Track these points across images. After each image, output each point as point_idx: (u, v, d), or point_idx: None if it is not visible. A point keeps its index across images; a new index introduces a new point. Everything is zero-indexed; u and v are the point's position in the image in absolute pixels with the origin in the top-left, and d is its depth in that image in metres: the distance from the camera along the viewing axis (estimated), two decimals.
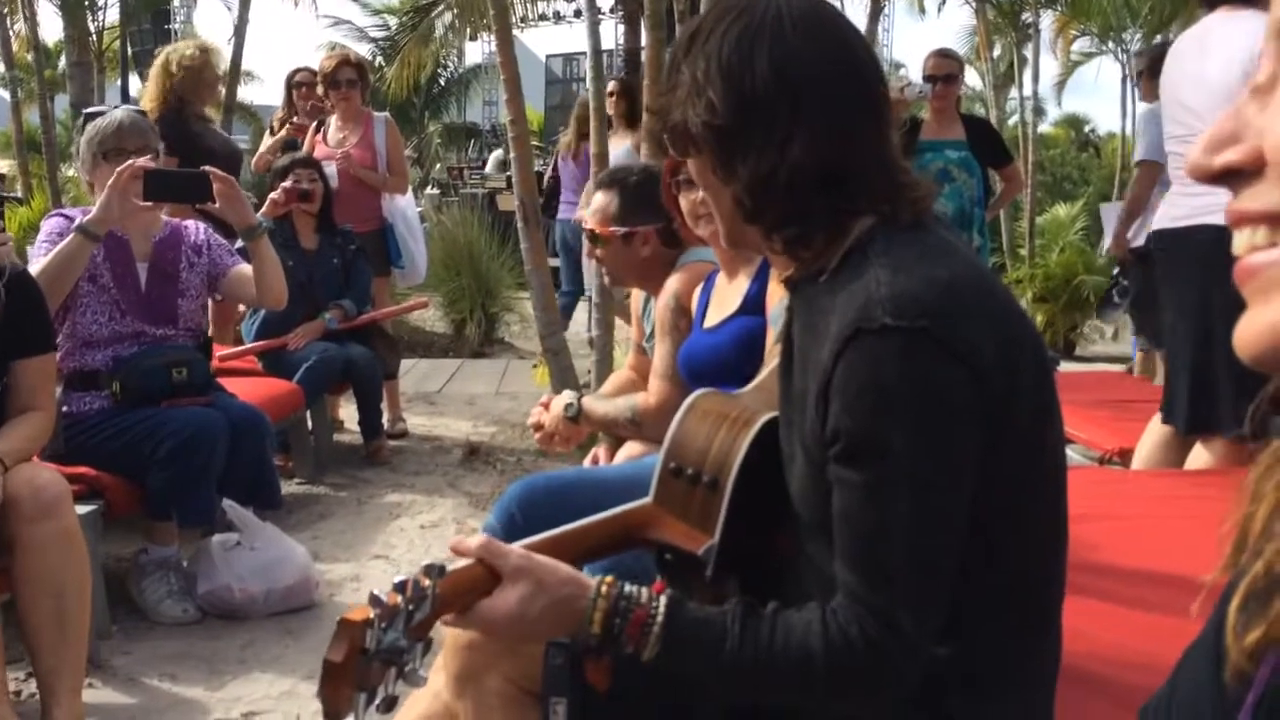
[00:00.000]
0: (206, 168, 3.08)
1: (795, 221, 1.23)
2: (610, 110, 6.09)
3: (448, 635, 1.42)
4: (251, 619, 2.98)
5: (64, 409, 2.97)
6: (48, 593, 2.18)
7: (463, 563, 1.20)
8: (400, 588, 1.12)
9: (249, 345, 4.48)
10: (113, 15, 15.52)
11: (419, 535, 3.79)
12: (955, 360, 1.11)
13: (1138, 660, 1.78)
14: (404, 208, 5.53)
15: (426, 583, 1.14)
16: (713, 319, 2.39)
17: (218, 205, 3.03)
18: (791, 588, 1.37)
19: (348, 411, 5.00)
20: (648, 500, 1.44)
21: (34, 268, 2.88)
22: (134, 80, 14.58)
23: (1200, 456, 3.09)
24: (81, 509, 2.75)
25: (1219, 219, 2.53)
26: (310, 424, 4.52)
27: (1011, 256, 9.82)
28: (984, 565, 1.19)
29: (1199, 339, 3.01)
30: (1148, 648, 1.83)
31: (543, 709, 1.29)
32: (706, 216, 2.18)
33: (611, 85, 6.41)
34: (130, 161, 2.90)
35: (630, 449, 2.53)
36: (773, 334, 2.19)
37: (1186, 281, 3.07)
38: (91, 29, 14.26)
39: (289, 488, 4.24)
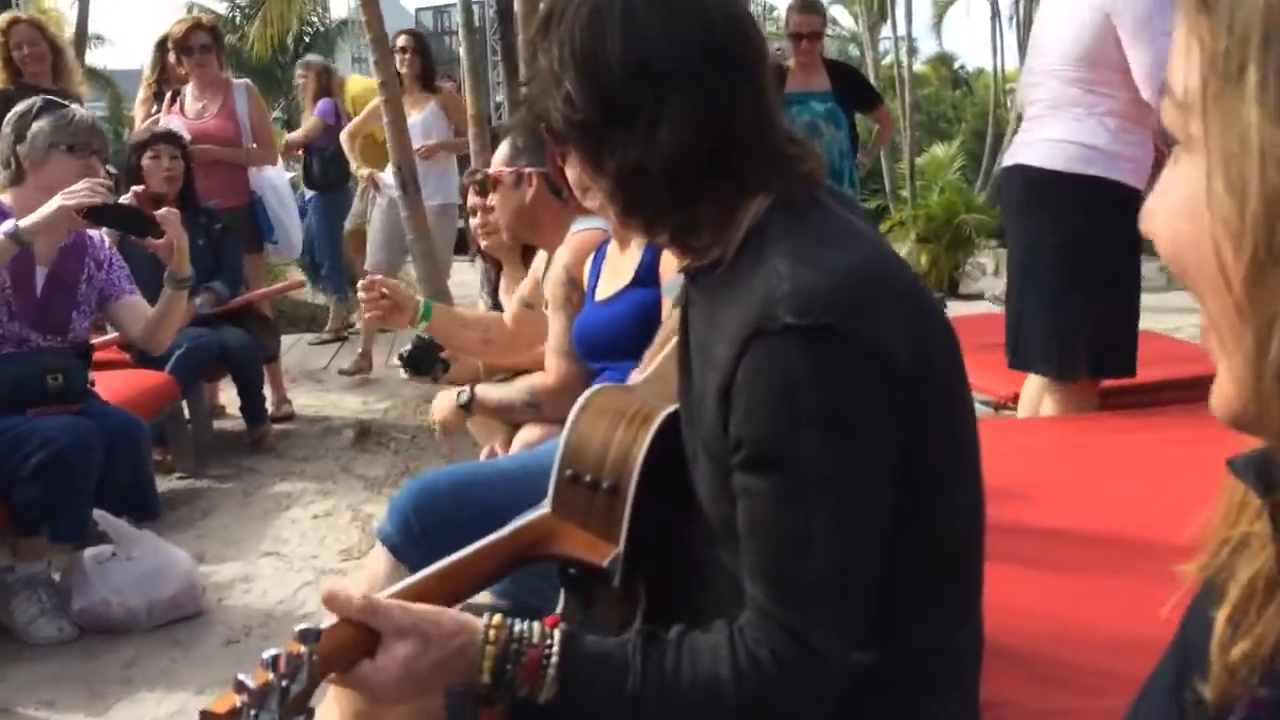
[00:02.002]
0: (161, 211, 3.09)
1: (676, 212, 1.14)
2: (402, 70, 5.58)
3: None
4: (134, 633, 2.80)
5: None
6: None
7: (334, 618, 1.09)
8: (271, 663, 1.00)
9: (112, 335, 4.21)
10: None
11: (312, 527, 3.63)
12: (864, 356, 1.04)
13: (1054, 628, 1.76)
14: (273, 179, 5.28)
15: (301, 650, 1.02)
16: (605, 291, 2.29)
17: (159, 243, 2.97)
18: (704, 592, 1.30)
19: (229, 396, 4.77)
20: (545, 511, 1.35)
21: None
22: None
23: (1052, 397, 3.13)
24: None
25: (1029, 159, 2.50)
26: (188, 414, 4.30)
27: (893, 199, 9.92)
28: (903, 562, 1.12)
29: (1016, 275, 3.19)
30: (1064, 613, 1.82)
31: None
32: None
33: (402, 39, 5.69)
34: (87, 181, 2.79)
35: (527, 434, 2.43)
36: (667, 304, 2.11)
37: (1008, 218, 3.29)
38: None
39: (169, 483, 4.03)
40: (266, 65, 19.49)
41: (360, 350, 5.66)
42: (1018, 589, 1.83)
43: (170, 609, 2.86)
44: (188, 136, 4.74)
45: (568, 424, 1.37)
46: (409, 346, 2.71)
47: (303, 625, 1.05)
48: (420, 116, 5.56)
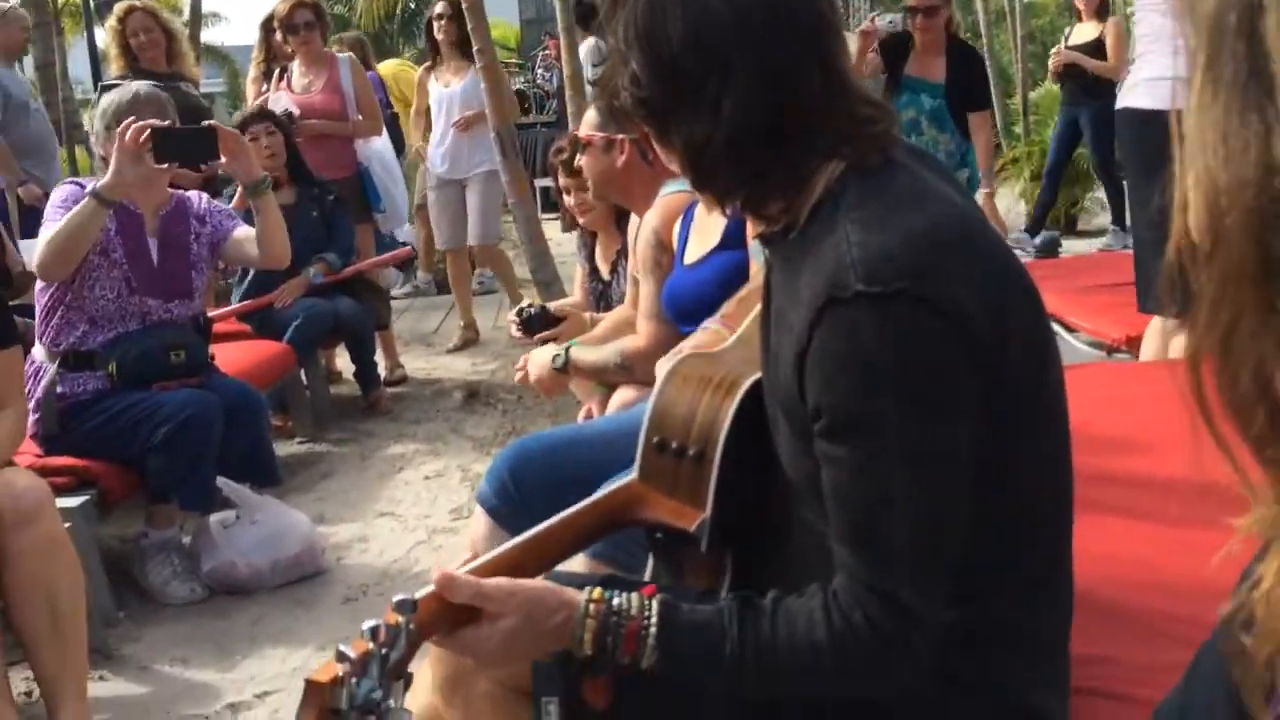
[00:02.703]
0: (212, 122, 3.08)
1: (746, 184, 1.15)
2: (439, 36, 5.42)
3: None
4: (260, 593, 2.95)
5: (59, 390, 2.92)
6: (38, 599, 2.14)
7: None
8: (372, 633, 1.06)
9: (233, 306, 4.39)
10: None
11: (424, 488, 3.75)
12: (939, 319, 1.03)
13: (1158, 579, 1.72)
14: (380, 150, 5.38)
15: (399, 620, 1.08)
16: (694, 254, 2.29)
17: (224, 161, 3.03)
18: (790, 554, 1.31)
19: (345, 362, 4.93)
20: (633, 477, 1.37)
21: (44, 235, 2.86)
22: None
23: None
24: (73, 500, 2.72)
25: (1136, 102, 2.38)
26: (305, 381, 4.46)
27: (1006, 135, 9.60)
28: (985, 519, 1.12)
29: (1141, 217, 3.08)
30: (1169, 564, 1.77)
31: (535, 709, 1.23)
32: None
33: (440, 5, 5.37)
34: (131, 119, 2.83)
35: (624, 395, 2.45)
36: (755, 266, 2.10)
37: (1126, 160, 3.21)
38: None
39: (290, 448, 4.20)
40: (375, 34, 19.84)
41: (462, 322, 5.75)
42: (1117, 539, 1.80)
43: (292, 568, 3.00)
44: (297, 111, 4.87)
45: (654, 391, 1.39)
46: (530, 307, 2.76)
47: (400, 596, 1.10)
48: (460, 85, 5.42)
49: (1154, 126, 2.85)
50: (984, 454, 1.08)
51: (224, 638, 2.75)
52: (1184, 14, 0.47)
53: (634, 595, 1.14)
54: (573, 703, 1.21)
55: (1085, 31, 6.93)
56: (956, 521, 1.08)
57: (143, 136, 2.79)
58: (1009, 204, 8.71)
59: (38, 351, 2.99)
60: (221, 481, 2.98)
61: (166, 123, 2.91)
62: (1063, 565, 1.25)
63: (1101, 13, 6.94)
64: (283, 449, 4.12)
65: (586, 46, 5.80)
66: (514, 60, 14.27)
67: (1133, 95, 2.86)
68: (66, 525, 2.40)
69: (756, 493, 1.31)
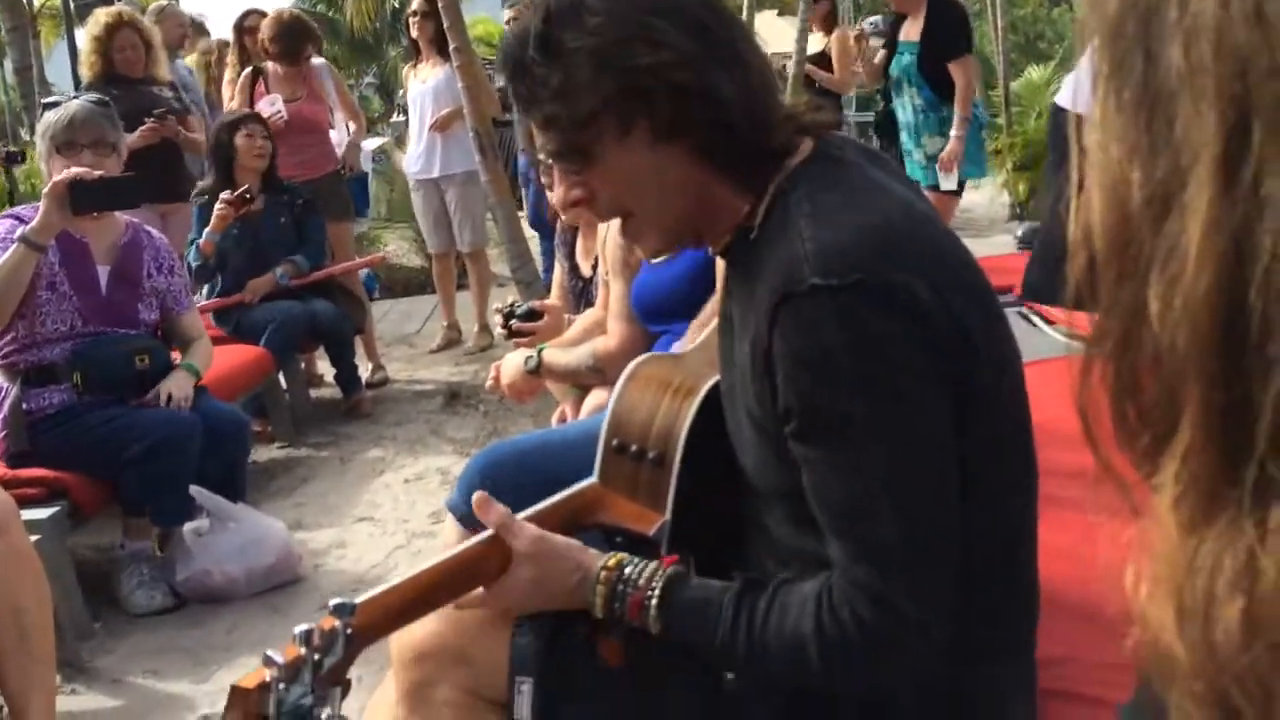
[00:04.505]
0: (130, 175, 3.03)
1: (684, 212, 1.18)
2: (415, 34, 5.37)
3: (394, 650, 1.35)
4: (235, 601, 2.93)
5: (24, 406, 2.88)
6: (3, 612, 2.11)
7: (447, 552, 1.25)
8: (304, 638, 1.03)
9: (203, 303, 4.35)
10: None
11: (404, 491, 3.73)
12: (896, 309, 1.01)
13: (1113, 575, 1.70)
14: (369, 151, 5.38)
15: (336, 624, 1.05)
16: None
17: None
18: (749, 563, 1.29)
19: (326, 365, 4.90)
20: (593, 480, 1.36)
21: None
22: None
23: None
24: (44, 512, 2.69)
25: (1063, 99, 2.39)
26: (285, 385, 4.43)
27: (989, 126, 9.61)
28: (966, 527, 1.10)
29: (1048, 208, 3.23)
30: (1123, 560, 1.75)
31: (509, 689, 1.24)
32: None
33: (416, 3, 5.32)
34: (66, 171, 2.80)
35: (597, 397, 2.43)
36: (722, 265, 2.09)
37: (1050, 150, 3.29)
38: None
39: (269, 453, 4.18)
40: (359, 34, 19.77)
41: (445, 323, 5.72)
42: (1084, 536, 1.78)
43: (268, 577, 2.98)
44: (286, 116, 4.83)
45: (614, 394, 1.38)
46: (515, 304, 2.73)
47: (337, 599, 1.08)
48: (434, 83, 5.36)
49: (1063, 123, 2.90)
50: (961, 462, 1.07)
51: (199, 647, 2.73)
52: (1090, 10, 0.46)
53: (648, 566, 1.17)
54: (554, 678, 1.24)
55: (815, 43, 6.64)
56: (948, 517, 1.05)
57: (61, 188, 2.75)
58: (992, 195, 8.71)
59: None
60: (195, 490, 2.95)
61: (96, 173, 2.86)
62: (1026, 565, 1.24)
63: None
64: (261, 454, 4.10)
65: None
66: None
67: (1061, 91, 2.97)
68: (36, 537, 2.38)
69: (717, 495, 1.30)
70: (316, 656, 1.04)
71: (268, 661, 1.02)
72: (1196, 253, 0.39)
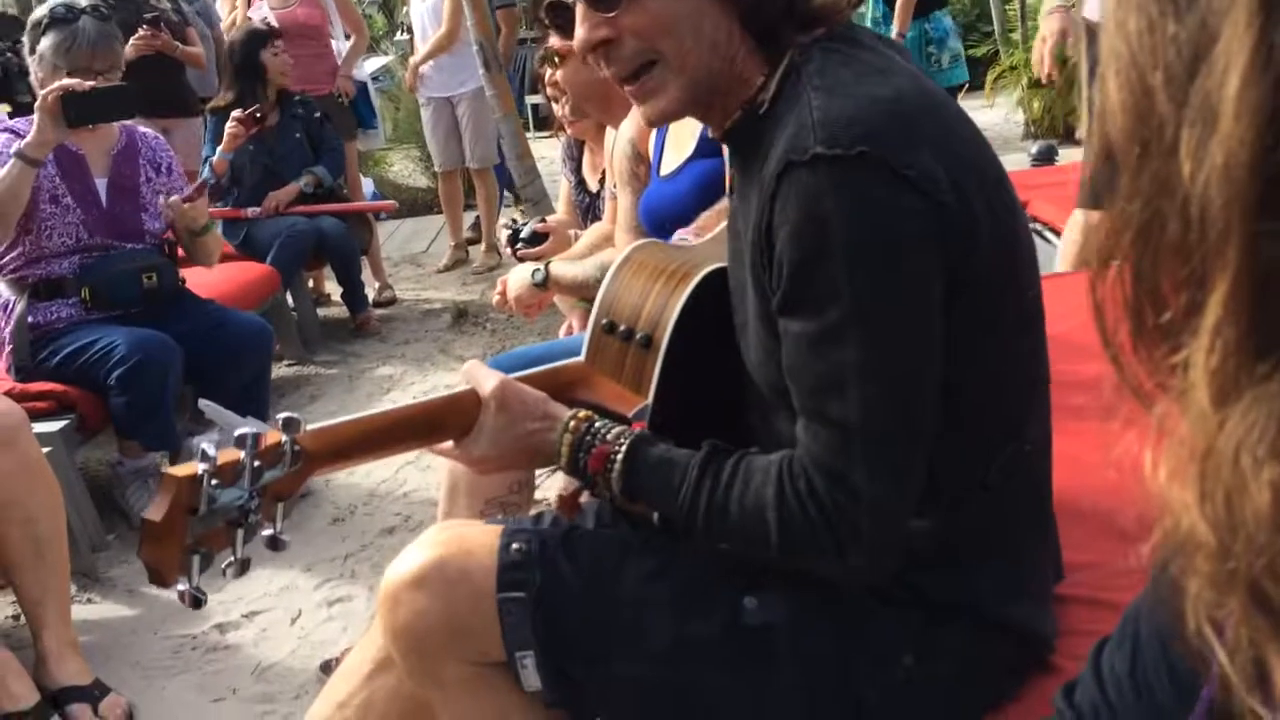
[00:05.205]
0: (125, 84, 2.94)
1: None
2: None
3: (390, 642, 1.26)
4: None
5: (30, 320, 2.88)
6: (16, 522, 2.13)
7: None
8: (242, 441, 1.03)
9: (213, 209, 4.32)
10: None
11: None
12: (902, 184, 0.98)
13: (1136, 481, 1.70)
14: (368, 68, 5.29)
15: (281, 439, 1.04)
16: (670, 164, 2.24)
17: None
18: None
19: (334, 285, 4.88)
20: (579, 360, 1.34)
21: None
22: None
23: None
24: (53, 425, 2.70)
25: (1091, 14, 2.29)
26: (292, 303, 4.42)
27: (1003, 43, 9.41)
28: (951, 427, 1.07)
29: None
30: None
31: (510, 665, 1.20)
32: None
33: None
34: (57, 84, 2.72)
35: None
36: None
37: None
38: None
39: (278, 370, 4.18)
40: None
41: (453, 243, 5.69)
42: (1098, 445, 1.78)
43: None
44: (276, 24, 4.76)
45: (608, 274, 1.35)
46: (519, 223, 2.71)
47: (287, 414, 1.07)
48: (434, 0, 5.28)
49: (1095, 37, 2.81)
50: (953, 333, 1.03)
51: None
52: None
53: (616, 426, 1.16)
54: (556, 646, 1.19)
55: None
56: (919, 408, 1.03)
57: (52, 103, 2.68)
58: (1006, 112, 8.58)
59: (2, 286, 2.94)
60: (204, 404, 2.95)
61: (89, 84, 2.77)
62: (1039, 479, 1.22)
63: None
64: (272, 371, 4.10)
65: None
66: None
67: (1088, 5, 2.85)
68: (48, 450, 2.39)
69: (705, 389, 1.28)
70: (257, 464, 1.03)
71: (203, 456, 1.01)
72: (1235, 102, 0.37)
